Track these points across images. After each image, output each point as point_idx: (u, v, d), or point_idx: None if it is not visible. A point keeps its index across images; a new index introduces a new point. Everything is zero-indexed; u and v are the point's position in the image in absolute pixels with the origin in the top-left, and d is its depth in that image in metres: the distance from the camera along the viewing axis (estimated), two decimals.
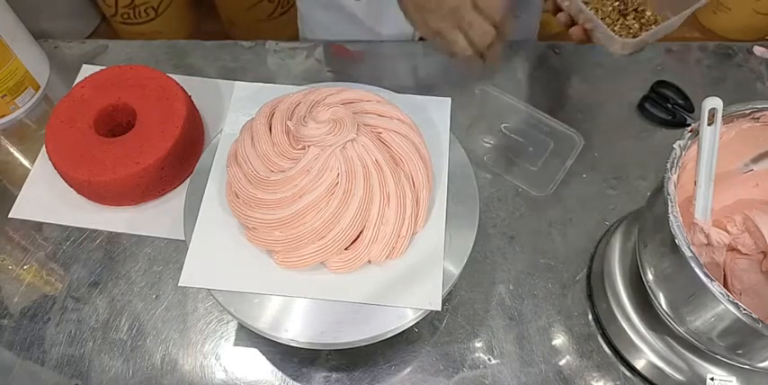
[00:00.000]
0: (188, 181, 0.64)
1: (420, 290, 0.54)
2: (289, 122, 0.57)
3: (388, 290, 0.54)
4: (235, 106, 0.65)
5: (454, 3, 0.58)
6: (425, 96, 0.65)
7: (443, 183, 0.60)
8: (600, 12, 0.64)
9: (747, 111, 0.56)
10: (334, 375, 0.66)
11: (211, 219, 0.58)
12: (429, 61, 0.88)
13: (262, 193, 0.55)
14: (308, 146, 0.56)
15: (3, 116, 0.83)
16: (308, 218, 0.54)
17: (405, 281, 0.55)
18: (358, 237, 0.55)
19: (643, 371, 0.65)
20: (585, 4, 0.62)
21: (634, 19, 0.64)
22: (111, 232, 0.74)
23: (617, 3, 0.65)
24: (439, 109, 0.64)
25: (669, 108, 0.83)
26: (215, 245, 0.56)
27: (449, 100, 0.65)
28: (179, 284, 0.54)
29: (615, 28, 0.63)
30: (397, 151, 0.58)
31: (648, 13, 0.64)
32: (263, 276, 0.55)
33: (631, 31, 0.63)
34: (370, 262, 0.55)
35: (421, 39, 0.91)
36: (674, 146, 0.53)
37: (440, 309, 0.53)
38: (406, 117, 0.60)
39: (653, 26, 0.63)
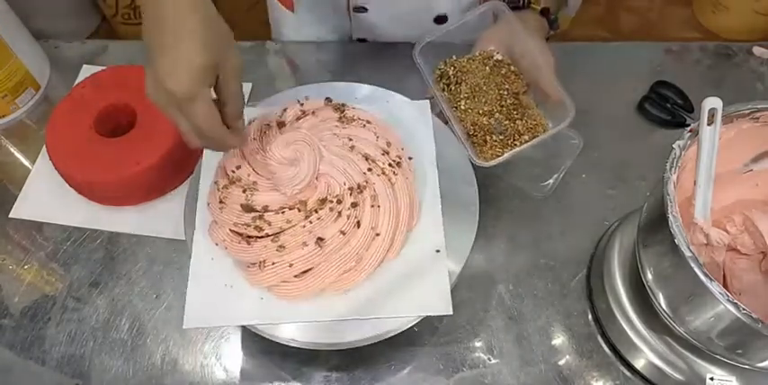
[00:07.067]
0: (188, 181, 0.64)
1: (427, 294, 0.54)
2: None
3: (396, 299, 0.54)
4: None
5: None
6: (405, 98, 0.66)
7: (434, 179, 0.60)
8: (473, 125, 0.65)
9: (747, 111, 0.56)
10: (334, 375, 0.66)
11: (203, 264, 0.56)
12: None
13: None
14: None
15: (3, 116, 0.83)
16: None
17: (409, 287, 0.55)
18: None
19: (643, 371, 0.65)
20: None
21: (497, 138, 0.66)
22: (112, 232, 0.74)
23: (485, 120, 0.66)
24: (419, 112, 0.64)
25: (669, 108, 0.83)
26: (212, 286, 0.55)
27: (427, 102, 0.65)
28: (184, 327, 0.53)
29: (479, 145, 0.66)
30: (368, 153, 0.58)
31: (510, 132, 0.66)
32: (266, 308, 0.54)
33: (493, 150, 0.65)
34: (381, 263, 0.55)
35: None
36: (674, 146, 0.53)
37: (451, 313, 0.53)
38: (373, 115, 0.60)
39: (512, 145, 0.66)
